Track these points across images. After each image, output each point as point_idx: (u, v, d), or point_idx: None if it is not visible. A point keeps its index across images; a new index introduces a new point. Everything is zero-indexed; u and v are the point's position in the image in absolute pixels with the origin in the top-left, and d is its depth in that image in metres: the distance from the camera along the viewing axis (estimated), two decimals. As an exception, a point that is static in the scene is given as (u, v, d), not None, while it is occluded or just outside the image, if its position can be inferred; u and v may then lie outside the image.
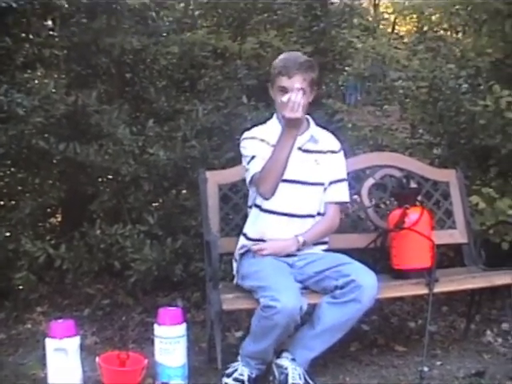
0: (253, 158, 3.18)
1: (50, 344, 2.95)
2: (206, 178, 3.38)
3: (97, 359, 3.03)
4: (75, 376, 2.98)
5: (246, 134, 3.28)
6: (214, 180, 3.46)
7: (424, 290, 3.34)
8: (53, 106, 3.88)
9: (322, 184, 3.27)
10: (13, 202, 4.50)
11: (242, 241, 3.32)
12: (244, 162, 3.25)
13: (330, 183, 3.29)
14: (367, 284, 3.03)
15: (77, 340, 2.98)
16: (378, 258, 3.74)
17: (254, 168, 3.16)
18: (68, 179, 4.36)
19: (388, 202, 3.88)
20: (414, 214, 3.45)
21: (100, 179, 4.29)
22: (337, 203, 3.32)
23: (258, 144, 3.21)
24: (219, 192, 3.48)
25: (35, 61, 4.34)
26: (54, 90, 3.93)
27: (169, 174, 3.99)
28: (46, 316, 4.06)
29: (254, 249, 3.14)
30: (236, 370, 3.15)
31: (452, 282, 3.45)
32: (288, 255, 3.21)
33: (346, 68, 5.89)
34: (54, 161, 4.28)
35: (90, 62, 4.31)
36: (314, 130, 3.30)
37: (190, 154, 3.94)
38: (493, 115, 4.08)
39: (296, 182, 3.20)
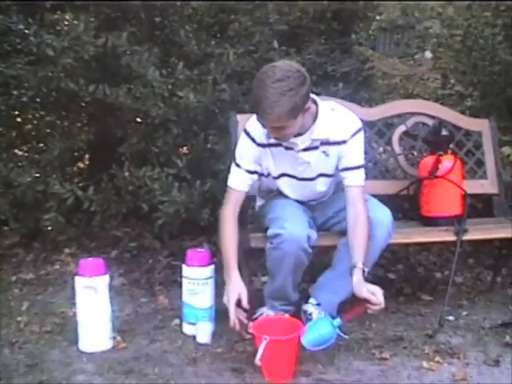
0: (238, 165, 3.08)
1: (80, 282, 2.96)
2: (237, 121, 3.35)
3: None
4: (104, 314, 3.00)
5: (250, 127, 3.03)
6: (245, 123, 3.40)
7: (453, 238, 3.33)
8: (82, 47, 3.84)
9: (332, 175, 3.12)
10: (41, 145, 4.51)
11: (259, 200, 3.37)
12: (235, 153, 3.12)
13: (344, 170, 3.03)
14: (381, 220, 2.99)
15: (106, 278, 2.99)
16: (407, 206, 3.73)
17: (232, 179, 3.10)
18: (97, 122, 4.35)
19: (419, 150, 3.84)
20: (447, 161, 3.45)
21: (129, 122, 4.27)
22: (358, 186, 3.01)
23: (249, 150, 3.05)
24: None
25: (64, 3, 4.29)
26: (83, 32, 3.89)
27: (198, 117, 3.95)
28: (73, 257, 4.11)
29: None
30: (262, 314, 3.18)
31: (481, 231, 3.45)
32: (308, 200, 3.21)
33: (377, 17, 5.82)
34: (83, 104, 4.28)
35: (120, 4, 4.25)
36: (318, 130, 2.96)
37: (220, 97, 3.89)
38: (528, 64, 4.01)
39: (308, 180, 3.11)
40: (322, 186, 3.14)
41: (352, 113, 3.08)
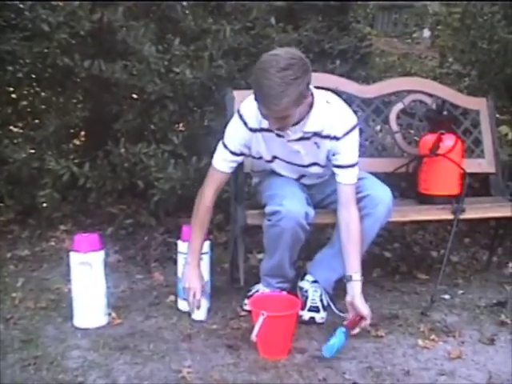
0: (225, 145, 2.99)
1: (75, 258, 2.95)
2: (234, 97, 3.33)
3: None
4: (99, 290, 2.99)
5: (244, 110, 2.93)
6: (241, 100, 3.31)
7: (450, 216, 3.34)
8: (78, 22, 3.81)
9: (324, 166, 3.08)
10: (37, 121, 4.49)
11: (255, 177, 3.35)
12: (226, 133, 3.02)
13: (337, 167, 2.96)
14: (382, 198, 2.99)
15: (101, 254, 2.97)
16: (403, 184, 3.72)
17: (217, 158, 3.02)
18: (92, 98, 4.32)
19: (416, 128, 3.83)
20: (448, 140, 3.45)
21: (125, 98, 4.25)
22: (351, 184, 2.96)
23: (240, 133, 2.96)
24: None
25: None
26: (78, 7, 3.85)
27: (195, 93, 3.93)
28: (69, 234, 4.09)
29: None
30: (257, 291, 3.17)
31: (478, 210, 3.45)
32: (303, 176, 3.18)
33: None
34: (79, 80, 4.25)
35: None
36: (311, 123, 2.87)
37: (216, 73, 3.86)
38: (527, 43, 3.99)
39: (299, 166, 3.08)
40: (316, 171, 3.11)
41: (347, 107, 3.01)
